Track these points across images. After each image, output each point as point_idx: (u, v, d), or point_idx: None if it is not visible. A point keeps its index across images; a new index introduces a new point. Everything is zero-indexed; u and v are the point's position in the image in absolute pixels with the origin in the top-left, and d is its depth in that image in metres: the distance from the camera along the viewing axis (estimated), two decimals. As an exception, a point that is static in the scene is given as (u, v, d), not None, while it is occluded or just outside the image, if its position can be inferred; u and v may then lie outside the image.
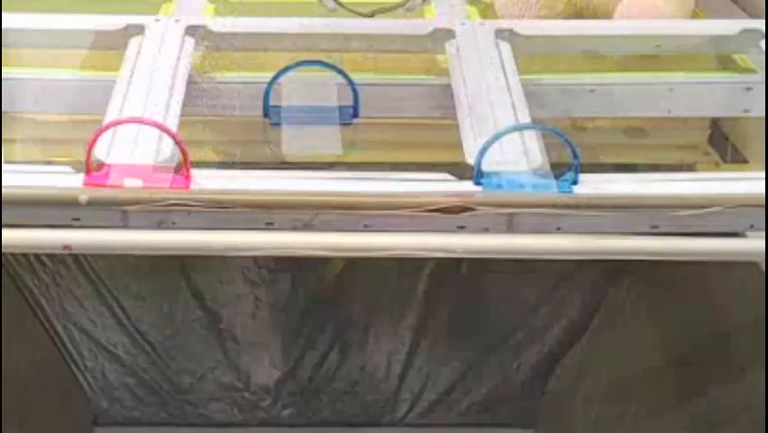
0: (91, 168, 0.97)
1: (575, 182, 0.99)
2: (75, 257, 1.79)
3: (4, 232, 0.88)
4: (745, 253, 0.95)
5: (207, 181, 0.97)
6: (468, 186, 0.98)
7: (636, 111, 1.32)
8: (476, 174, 0.98)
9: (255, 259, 1.85)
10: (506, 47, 1.26)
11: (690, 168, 1.43)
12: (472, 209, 0.95)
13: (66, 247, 0.89)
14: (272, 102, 1.16)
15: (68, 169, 0.99)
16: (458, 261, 1.79)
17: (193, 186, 0.96)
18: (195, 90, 1.19)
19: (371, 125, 1.24)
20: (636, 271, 1.73)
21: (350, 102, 1.16)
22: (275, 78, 1.14)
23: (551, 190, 0.98)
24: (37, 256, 1.78)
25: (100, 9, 1.33)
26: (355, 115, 1.17)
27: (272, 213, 0.96)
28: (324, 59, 1.15)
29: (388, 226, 0.95)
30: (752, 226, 0.98)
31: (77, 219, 0.94)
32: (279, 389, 1.93)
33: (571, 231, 0.96)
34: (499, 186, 0.98)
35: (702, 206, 0.96)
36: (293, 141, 1.13)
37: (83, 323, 1.85)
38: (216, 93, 1.19)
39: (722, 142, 1.43)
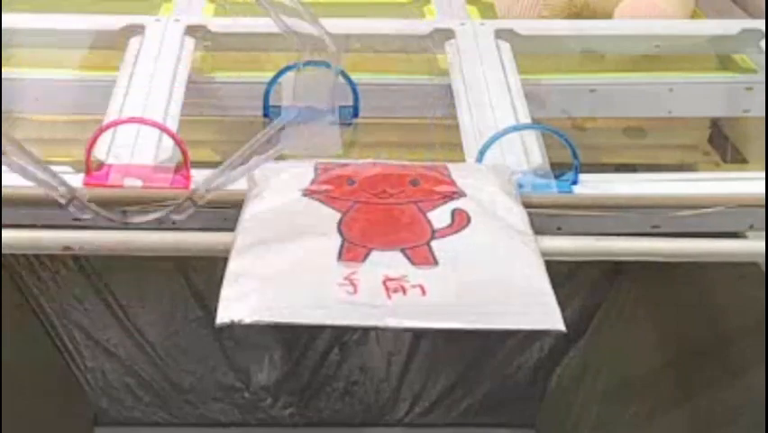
0: (91, 168, 0.97)
1: (575, 182, 0.99)
2: (75, 257, 1.79)
3: (4, 233, 0.88)
4: (746, 254, 0.95)
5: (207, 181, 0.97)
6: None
7: (636, 111, 1.32)
8: (476, 174, 0.98)
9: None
10: (506, 47, 1.26)
11: (690, 168, 1.42)
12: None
13: (66, 248, 0.89)
14: (272, 102, 1.16)
15: (68, 169, 0.99)
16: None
17: (193, 186, 0.96)
18: (195, 90, 1.19)
19: (371, 125, 1.24)
20: (636, 271, 1.73)
21: (350, 102, 1.16)
22: (275, 78, 1.14)
23: (551, 190, 0.98)
24: (37, 256, 1.77)
25: (100, 9, 1.33)
26: (355, 115, 1.17)
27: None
28: (324, 60, 1.15)
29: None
30: (752, 226, 0.97)
31: (78, 219, 0.94)
32: (279, 389, 1.93)
33: (571, 231, 0.95)
34: (499, 186, 0.97)
35: (702, 206, 0.96)
36: (293, 141, 1.13)
37: (83, 323, 1.85)
38: (216, 93, 1.19)
39: (722, 142, 1.43)
